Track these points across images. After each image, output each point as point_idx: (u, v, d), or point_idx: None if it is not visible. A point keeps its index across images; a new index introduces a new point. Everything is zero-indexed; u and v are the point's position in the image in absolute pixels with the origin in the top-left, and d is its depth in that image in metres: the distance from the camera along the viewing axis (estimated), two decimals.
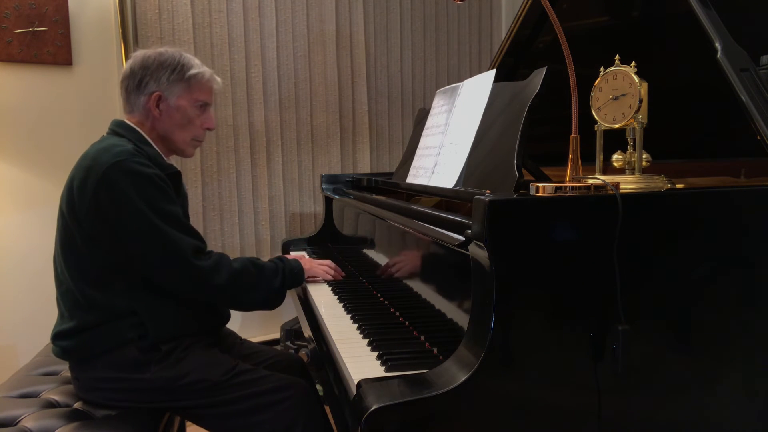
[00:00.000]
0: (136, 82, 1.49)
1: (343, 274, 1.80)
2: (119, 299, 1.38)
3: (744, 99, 1.17)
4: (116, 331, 1.37)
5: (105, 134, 1.50)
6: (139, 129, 1.49)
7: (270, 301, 1.54)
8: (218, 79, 1.59)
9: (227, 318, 1.64)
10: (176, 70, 1.49)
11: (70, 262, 1.40)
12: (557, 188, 0.99)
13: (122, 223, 1.33)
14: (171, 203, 1.39)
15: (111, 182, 1.33)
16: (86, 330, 1.38)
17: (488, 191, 1.14)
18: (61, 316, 1.44)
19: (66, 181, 1.42)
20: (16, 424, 1.32)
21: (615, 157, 1.22)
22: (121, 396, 1.39)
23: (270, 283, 1.52)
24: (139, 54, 1.51)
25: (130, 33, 2.59)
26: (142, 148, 1.44)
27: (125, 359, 1.37)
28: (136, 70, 1.49)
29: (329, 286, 1.74)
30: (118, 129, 1.48)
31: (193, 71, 1.51)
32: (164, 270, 1.37)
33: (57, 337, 1.42)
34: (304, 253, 2.22)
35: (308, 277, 1.72)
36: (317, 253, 2.23)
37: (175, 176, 1.48)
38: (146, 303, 1.39)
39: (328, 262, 1.80)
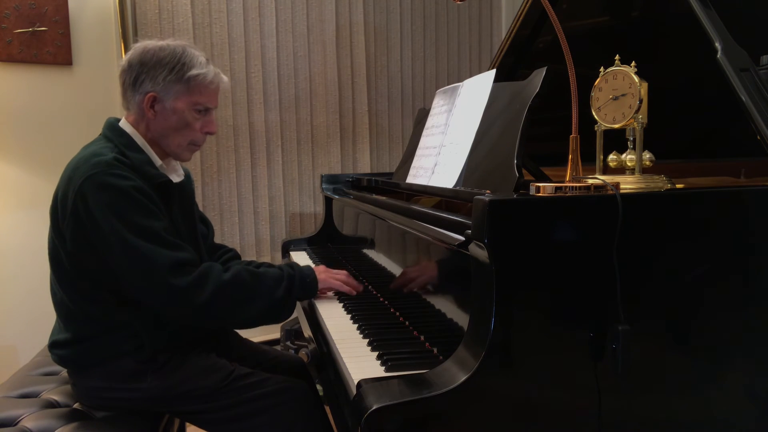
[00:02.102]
0: (132, 79, 1.39)
1: (361, 287, 1.58)
2: (113, 311, 1.34)
3: (744, 99, 1.17)
4: (112, 343, 1.34)
5: (99, 135, 1.44)
6: (130, 131, 1.40)
7: (273, 314, 1.39)
8: (225, 78, 1.48)
9: None
10: (174, 69, 1.37)
11: (60, 275, 1.36)
12: (557, 188, 0.99)
13: (100, 240, 1.26)
14: (149, 217, 1.28)
15: (86, 197, 1.26)
16: (81, 341, 1.35)
17: (488, 191, 1.14)
18: (57, 324, 1.42)
19: (54, 191, 1.36)
20: (16, 424, 1.32)
21: (610, 157, 1.22)
22: (118, 403, 1.38)
23: (271, 292, 1.36)
24: (139, 46, 1.40)
25: (130, 33, 2.59)
26: (127, 154, 1.34)
27: (121, 370, 1.35)
28: (134, 65, 1.39)
29: None
30: (108, 132, 1.41)
31: (193, 72, 1.39)
32: (141, 288, 1.28)
33: (53, 345, 1.40)
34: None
35: (322, 288, 1.52)
36: (317, 254, 2.23)
37: (164, 185, 1.38)
38: (141, 314, 1.34)
39: (344, 273, 1.59)
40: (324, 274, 1.54)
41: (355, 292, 1.55)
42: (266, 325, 1.39)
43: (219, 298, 1.29)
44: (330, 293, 1.59)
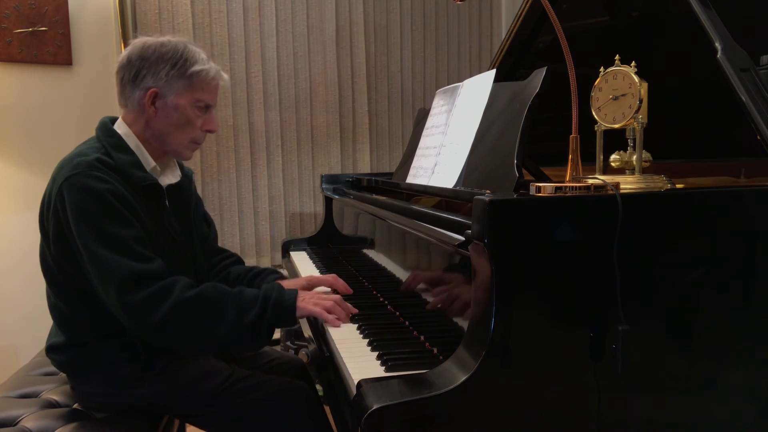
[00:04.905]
0: (132, 74, 1.35)
1: (347, 320, 1.33)
2: (105, 318, 1.30)
3: (744, 99, 1.17)
4: (107, 350, 1.33)
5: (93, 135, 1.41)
6: (123, 131, 1.37)
7: (242, 339, 1.25)
8: (225, 76, 1.46)
9: None
10: (177, 64, 1.34)
11: (49, 279, 1.35)
12: (557, 188, 0.99)
13: (76, 243, 1.23)
14: (120, 224, 1.23)
15: (63, 199, 1.23)
16: (77, 347, 1.34)
17: (488, 191, 1.14)
18: (53, 327, 1.41)
19: (43, 193, 1.34)
20: (16, 424, 1.32)
21: (613, 157, 1.22)
22: (117, 408, 1.37)
23: (241, 315, 1.23)
24: (139, 42, 1.37)
25: (130, 33, 2.59)
26: (112, 155, 1.30)
27: (118, 377, 1.33)
28: (134, 61, 1.35)
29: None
30: (99, 132, 1.37)
31: (196, 68, 1.36)
32: (105, 298, 1.24)
33: (50, 350, 1.39)
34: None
35: (301, 316, 1.32)
36: (317, 254, 2.23)
37: (151, 188, 1.33)
38: None
39: (337, 298, 1.37)
40: (305, 302, 1.31)
41: (339, 324, 1.31)
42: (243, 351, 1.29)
43: (176, 317, 1.20)
44: (327, 289, 1.48)
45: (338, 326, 1.30)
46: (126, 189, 1.27)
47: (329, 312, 1.31)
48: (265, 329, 1.27)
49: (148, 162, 1.38)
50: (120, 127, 1.38)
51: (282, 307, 1.28)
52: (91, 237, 1.21)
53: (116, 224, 1.23)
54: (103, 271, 1.21)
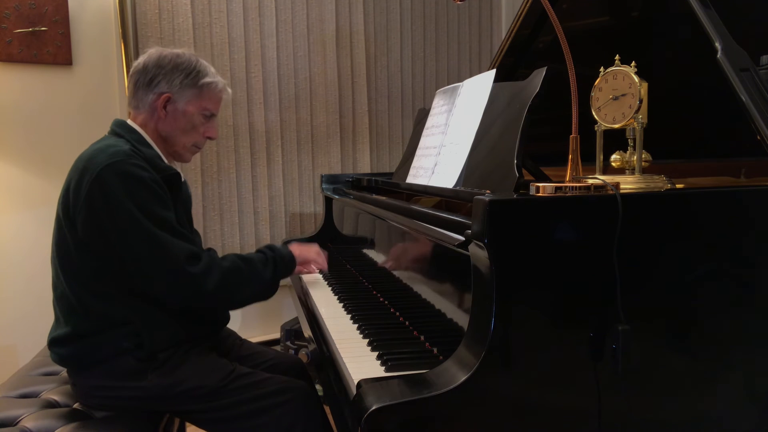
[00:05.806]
0: (147, 79, 1.47)
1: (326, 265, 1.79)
2: (115, 307, 1.36)
3: (744, 99, 1.17)
4: (112, 340, 1.35)
5: (106, 134, 1.49)
6: (139, 129, 1.47)
7: (263, 293, 1.51)
8: (229, 90, 1.59)
9: (227, 320, 1.64)
10: (191, 75, 1.48)
11: (65, 266, 1.38)
12: (557, 188, 0.99)
13: (114, 227, 1.30)
14: (165, 208, 1.36)
15: (104, 184, 1.30)
16: (82, 338, 1.36)
17: (488, 191, 1.14)
18: (56, 320, 1.43)
19: (63, 183, 1.40)
20: (16, 424, 1.32)
21: (614, 157, 1.22)
22: (118, 403, 1.38)
23: (261, 275, 1.48)
24: (155, 52, 1.50)
25: (130, 33, 2.59)
26: (140, 149, 1.41)
27: (121, 368, 1.35)
28: (150, 68, 1.47)
29: (329, 286, 1.74)
30: (118, 129, 1.46)
31: (207, 79, 1.50)
32: (156, 277, 1.33)
33: (53, 343, 1.40)
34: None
35: (300, 264, 1.66)
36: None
37: (174, 177, 1.44)
38: (142, 311, 1.36)
39: (315, 247, 1.77)
40: (298, 249, 1.67)
41: (326, 266, 1.79)
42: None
43: (224, 284, 1.38)
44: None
45: (326, 269, 1.80)
46: (158, 178, 1.38)
47: (318, 258, 1.76)
48: (277, 281, 1.54)
49: (163, 158, 1.49)
50: (134, 126, 1.48)
51: (286, 261, 1.57)
52: (145, 219, 1.31)
53: (162, 208, 1.35)
54: (163, 249, 1.31)
